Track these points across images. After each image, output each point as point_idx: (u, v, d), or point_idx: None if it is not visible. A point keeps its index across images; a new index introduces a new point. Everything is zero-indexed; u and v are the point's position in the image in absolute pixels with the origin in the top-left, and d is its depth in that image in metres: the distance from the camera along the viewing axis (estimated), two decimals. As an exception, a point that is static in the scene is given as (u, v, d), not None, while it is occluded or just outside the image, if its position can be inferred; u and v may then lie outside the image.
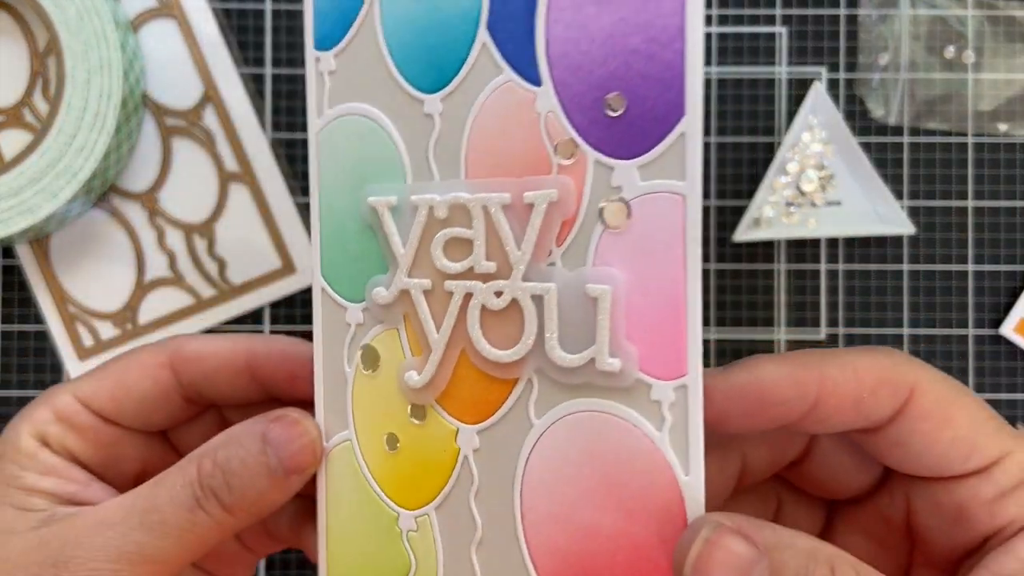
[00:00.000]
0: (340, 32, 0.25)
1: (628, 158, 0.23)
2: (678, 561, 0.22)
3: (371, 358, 0.26)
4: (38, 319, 0.43)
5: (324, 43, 0.26)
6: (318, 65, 0.26)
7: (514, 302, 0.24)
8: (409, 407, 0.25)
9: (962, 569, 0.24)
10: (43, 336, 0.43)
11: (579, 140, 0.23)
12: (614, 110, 0.23)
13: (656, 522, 0.23)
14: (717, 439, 0.26)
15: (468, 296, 0.24)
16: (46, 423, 0.27)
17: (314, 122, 0.26)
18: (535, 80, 0.23)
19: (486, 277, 0.24)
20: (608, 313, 0.23)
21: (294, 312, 0.43)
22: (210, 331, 0.43)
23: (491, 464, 0.25)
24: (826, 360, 0.24)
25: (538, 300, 0.24)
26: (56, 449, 0.27)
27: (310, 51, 0.26)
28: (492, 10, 0.23)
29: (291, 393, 0.28)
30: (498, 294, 0.24)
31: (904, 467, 0.25)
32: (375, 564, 0.27)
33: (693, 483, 0.22)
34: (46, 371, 0.43)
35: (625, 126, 0.23)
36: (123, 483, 0.29)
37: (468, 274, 0.24)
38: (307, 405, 0.27)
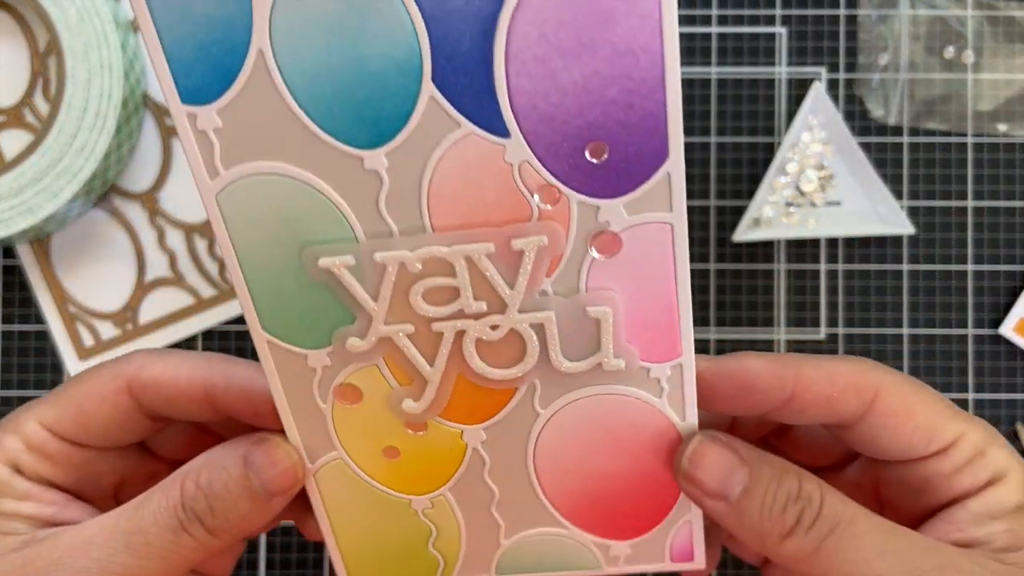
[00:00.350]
0: (219, 85, 0.23)
1: (613, 197, 0.23)
2: (677, 460, 0.26)
3: (351, 394, 0.26)
4: (39, 319, 0.43)
5: (197, 97, 0.23)
6: (195, 121, 0.23)
7: (512, 331, 0.25)
8: (405, 427, 0.26)
9: (924, 525, 0.27)
10: (43, 336, 0.43)
11: (560, 186, 0.23)
12: (596, 157, 0.23)
13: (660, 458, 0.27)
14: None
15: (460, 333, 0.25)
16: (18, 452, 0.27)
17: (207, 184, 0.23)
18: (502, 132, 0.23)
19: (478, 316, 0.25)
20: (611, 330, 0.25)
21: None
22: (210, 331, 0.43)
23: (501, 447, 0.27)
24: (804, 361, 0.27)
25: (538, 327, 0.25)
26: (30, 476, 0.27)
27: (177, 106, 0.23)
28: (437, 65, 0.22)
29: (254, 424, 0.28)
30: (494, 327, 0.25)
31: (873, 454, 0.28)
32: (393, 541, 0.28)
33: (689, 425, 0.26)
34: (46, 371, 0.43)
35: (608, 170, 0.23)
36: (102, 498, 0.29)
37: (457, 315, 0.25)
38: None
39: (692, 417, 0.26)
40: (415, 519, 0.28)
